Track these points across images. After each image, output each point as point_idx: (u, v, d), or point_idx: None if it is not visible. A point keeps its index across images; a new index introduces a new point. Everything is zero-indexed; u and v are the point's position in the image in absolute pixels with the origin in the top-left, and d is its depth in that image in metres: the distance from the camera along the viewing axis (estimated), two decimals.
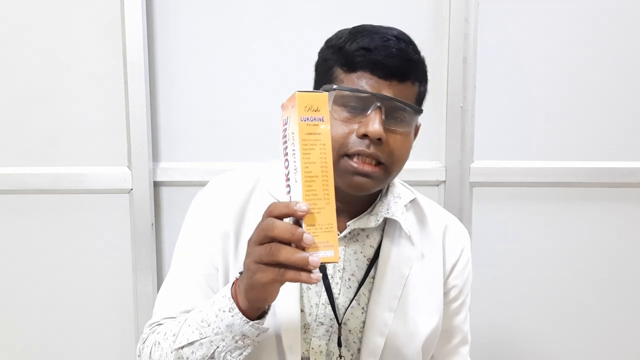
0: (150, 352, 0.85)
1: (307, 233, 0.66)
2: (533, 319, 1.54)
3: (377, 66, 0.82)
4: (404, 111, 0.84)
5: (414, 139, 0.92)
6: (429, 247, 0.95)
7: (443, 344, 1.00)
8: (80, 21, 1.40)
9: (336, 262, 0.76)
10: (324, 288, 0.90)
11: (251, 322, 0.74)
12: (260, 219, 0.70)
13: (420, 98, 0.89)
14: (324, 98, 0.68)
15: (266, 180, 0.95)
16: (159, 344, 0.84)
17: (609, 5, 1.44)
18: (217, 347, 0.76)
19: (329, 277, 0.91)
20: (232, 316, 0.74)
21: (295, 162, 0.69)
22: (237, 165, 1.00)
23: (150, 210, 1.42)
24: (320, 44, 0.90)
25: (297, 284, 0.89)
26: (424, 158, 1.47)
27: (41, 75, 1.41)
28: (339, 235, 0.90)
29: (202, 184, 1.00)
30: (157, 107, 1.43)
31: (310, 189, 0.67)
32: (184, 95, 1.43)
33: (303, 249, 0.66)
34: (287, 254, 0.66)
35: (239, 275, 0.76)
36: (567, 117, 1.47)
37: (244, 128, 1.44)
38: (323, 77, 0.88)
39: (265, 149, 1.43)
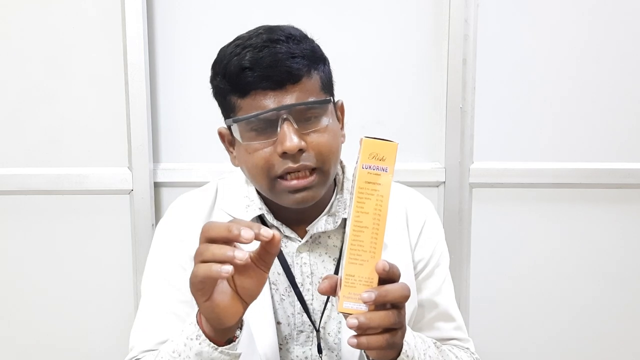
0: None
1: (247, 229, 0.62)
2: (533, 319, 1.54)
3: (264, 81, 0.79)
4: (313, 109, 0.81)
5: (342, 118, 0.91)
6: (392, 235, 0.92)
7: (417, 320, 0.95)
8: (80, 22, 1.40)
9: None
10: (296, 297, 0.89)
11: (220, 348, 0.70)
12: None
13: (324, 81, 0.85)
14: (392, 148, 0.65)
15: (223, 199, 0.93)
16: None
17: (608, 5, 1.44)
18: None
19: (299, 285, 0.89)
20: (200, 343, 0.70)
21: (349, 207, 0.67)
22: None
23: (150, 211, 1.42)
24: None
25: (269, 300, 0.87)
26: (423, 159, 1.47)
27: (42, 77, 1.41)
28: (300, 242, 0.89)
29: (202, 185, 1.00)
30: (157, 108, 1.44)
31: (357, 239, 0.65)
32: (185, 96, 1.44)
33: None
34: (215, 250, 0.63)
35: None
36: (566, 118, 1.47)
37: None
38: (223, 107, 0.86)
39: None
